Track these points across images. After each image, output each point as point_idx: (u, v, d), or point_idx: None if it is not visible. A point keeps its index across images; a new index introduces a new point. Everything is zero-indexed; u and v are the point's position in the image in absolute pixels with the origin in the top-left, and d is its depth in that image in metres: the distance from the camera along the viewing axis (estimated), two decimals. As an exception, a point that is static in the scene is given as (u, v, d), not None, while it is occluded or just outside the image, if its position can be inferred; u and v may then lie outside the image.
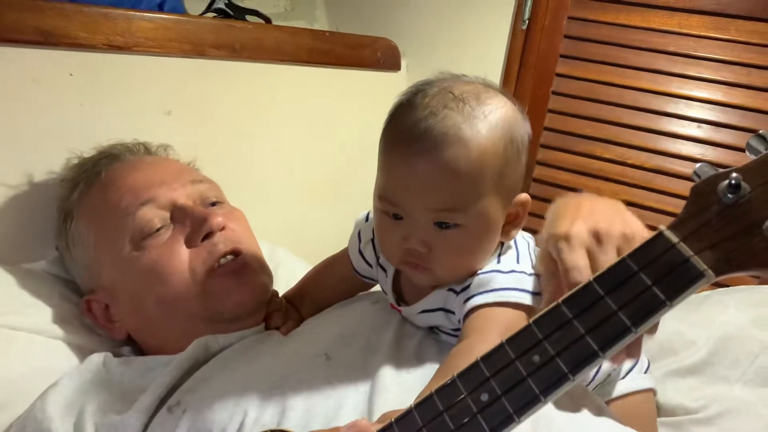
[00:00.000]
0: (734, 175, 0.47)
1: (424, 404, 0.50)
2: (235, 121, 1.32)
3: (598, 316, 0.47)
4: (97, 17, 1.02)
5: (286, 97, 1.41)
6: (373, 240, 0.85)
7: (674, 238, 0.47)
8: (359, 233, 0.88)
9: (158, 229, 0.85)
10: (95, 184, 0.91)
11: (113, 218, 0.86)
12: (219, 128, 1.29)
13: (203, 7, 1.41)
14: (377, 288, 0.93)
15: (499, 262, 0.74)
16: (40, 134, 0.99)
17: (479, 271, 0.73)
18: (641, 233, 0.66)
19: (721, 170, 0.49)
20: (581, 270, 0.63)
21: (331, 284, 0.94)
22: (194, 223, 0.86)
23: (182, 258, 0.84)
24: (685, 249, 0.46)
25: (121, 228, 0.85)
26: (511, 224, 0.74)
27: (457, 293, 0.74)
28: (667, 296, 0.45)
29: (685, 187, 1.54)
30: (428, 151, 0.65)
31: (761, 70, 1.47)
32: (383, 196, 0.70)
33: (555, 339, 0.47)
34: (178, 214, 0.88)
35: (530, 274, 0.72)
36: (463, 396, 0.48)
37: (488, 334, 0.65)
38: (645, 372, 0.92)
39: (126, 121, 1.11)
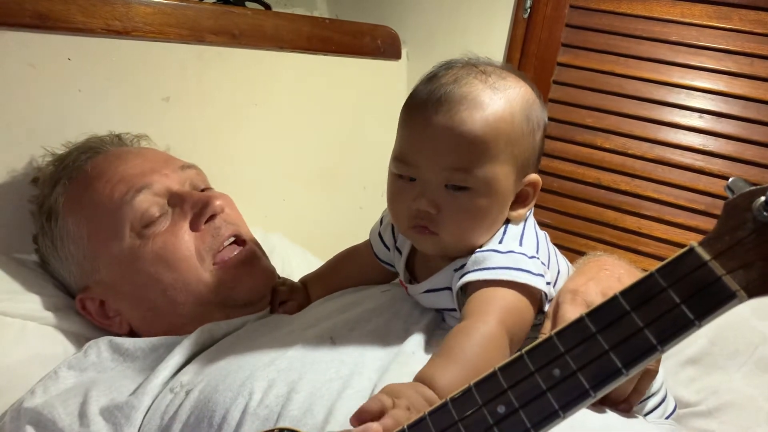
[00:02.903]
0: None
1: (437, 412, 0.49)
2: (234, 108, 1.31)
3: (623, 333, 0.45)
4: (95, 1, 1.01)
5: (285, 84, 1.41)
6: (393, 223, 0.86)
7: (706, 256, 0.45)
8: (382, 219, 0.90)
9: (158, 217, 0.85)
10: (79, 179, 0.89)
11: (108, 209, 0.85)
12: (217, 115, 1.28)
13: (202, -7, 1.40)
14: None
15: (501, 242, 0.73)
16: (38, 120, 0.99)
17: (478, 249, 0.73)
18: None
19: (756, 186, 0.47)
20: None
21: (348, 273, 0.94)
22: (196, 206, 0.87)
23: (188, 243, 0.85)
24: (717, 267, 0.44)
25: (118, 218, 0.85)
26: (521, 203, 0.76)
27: (455, 271, 0.74)
28: (696, 316, 0.44)
29: (685, 178, 1.55)
30: (446, 111, 0.69)
31: (764, 60, 1.46)
32: (398, 157, 0.72)
33: (577, 353, 0.45)
34: (175, 200, 0.88)
35: (531, 257, 0.72)
36: (478, 406, 0.47)
37: (486, 315, 0.66)
38: (668, 417, 0.84)
39: (124, 107, 1.10)
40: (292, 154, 1.47)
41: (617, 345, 0.45)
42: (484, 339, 0.64)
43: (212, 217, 0.87)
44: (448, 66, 0.74)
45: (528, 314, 0.70)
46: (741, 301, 0.43)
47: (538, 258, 0.73)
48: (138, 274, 0.84)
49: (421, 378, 0.60)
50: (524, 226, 0.77)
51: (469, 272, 0.71)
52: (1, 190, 0.95)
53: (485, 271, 0.70)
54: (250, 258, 0.90)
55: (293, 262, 1.19)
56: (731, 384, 0.96)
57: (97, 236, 0.86)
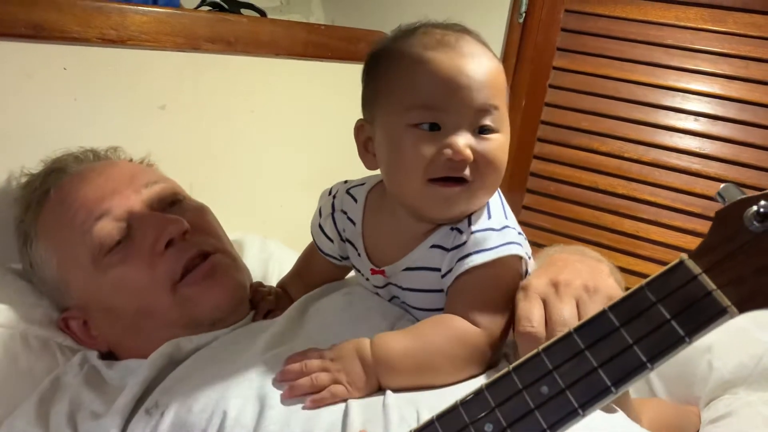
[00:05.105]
0: (763, 202, 0.43)
1: (423, 430, 0.48)
2: (230, 115, 1.31)
3: (612, 349, 0.44)
4: (90, 10, 1.01)
5: (281, 90, 1.40)
6: (332, 214, 0.84)
7: (697, 269, 0.44)
8: (320, 209, 0.87)
9: (118, 242, 0.82)
10: (46, 204, 0.87)
11: (70, 237, 0.83)
12: (213, 122, 1.28)
13: (198, 1, 1.40)
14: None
15: (489, 217, 0.72)
16: (33, 130, 0.98)
17: (474, 229, 0.71)
18: (607, 291, 0.68)
19: (748, 194, 0.45)
20: (532, 320, 0.66)
21: (319, 264, 0.92)
22: (154, 232, 0.82)
23: (147, 270, 0.81)
24: (708, 282, 0.43)
25: (80, 246, 0.82)
26: None
27: (447, 250, 0.73)
28: (686, 332, 0.43)
29: (682, 181, 1.55)
30: (473, 51, 0.69)
31: (759, 63, 1.47)
32: (422, 104, 0.68)
33: (565, 370, 0.45)
34: (136, 223, 0.84)
35: (520, 233, 0.73)
36: (465, 425, 0.46)
37: (474, 317, 0.69)
38: None
39: (120, 115, 1.10)
40: (289, 160, 1.47)
41: (606, 362, 0.44)
42: (455, 339, 0.67)
43: (171, 240, 0.83)
44: (418, 24, 0.74)
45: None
46: (732, 317, 0.42)
47: (522, 233, 0.74)
48: (105, 301, 0.83)
49: (375, 338, 0.68)
50: (499, 192, 0.76)
51: (471, 254, 0.70)
52: (-3, 200, 0.95)
53: (489, 252, 0.69)
54: (212, 273, 0.84)
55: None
56: (736, 395, 0.96)
57: (64, 264, 0.85)
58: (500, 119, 0.69)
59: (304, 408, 0.64)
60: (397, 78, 0.70)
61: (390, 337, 0.69)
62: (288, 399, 0.65)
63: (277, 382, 0.67)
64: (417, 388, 0.67)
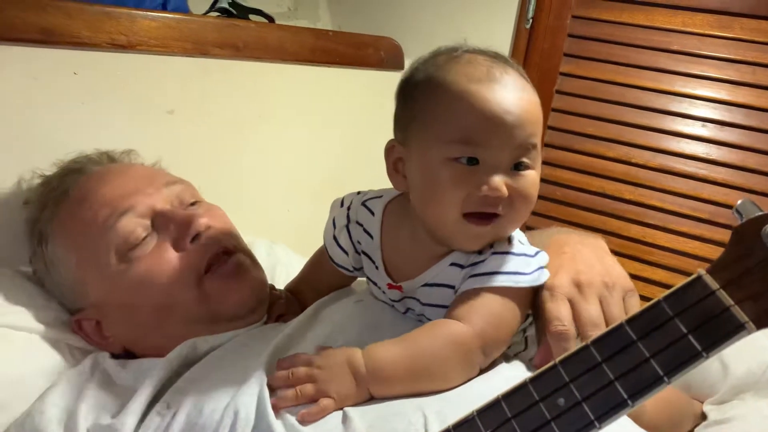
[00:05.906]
0: None
1: None
2: (238, 121, 1.32)
3: (628, 362, 0.44)
4: (100, 16, 1.01)
5: (288, 96, 1.41)
6: (347, 226, 0.85)
7: (714, 285, 0.44)
8: (334, 220, 0.87)
9: (143, 238, 0.84)
10: (64, 203, 0.88)
11: (92, 235, 0.84)
12: (221, 127, 1.28)
13: (207, 7, 1.41)
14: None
15: (510, 242, 0.74)
16: (42, 134, 0.99)
17: (494, 250, 0.72)
18: (621, 282, 0.73)
19: (765, 211, 0.46)
20: (562, 320, 0.68)
21: (328, 270, 0.92)
22: (179, 227, 0.84)
23: (173, 264, 0.83)
24: (726, 297, 0.43)
25: (103, 243, 0.83)
26: None
27: (462, 267, 0.74)
28: (703, 347, 0.43)
29: (689, 186, 1.55)
30: (517, 88, 0.69)
31: (766, 69, 1.47)
32: (463, 138, 0.68)
33: (582, 383, 0.45)
34: (159, 220, 0.86)
35: (535, 254, 0.74)
36: None
37: (470, 322, 0.69)
38: None
39: (128, 120, 1.10)
40: (296, 165, 1.48)
41: (623, 375, 0.44)
42: (448, 341, 0.68)
43: (197, 236, 0.85)
44: (460, 50, 0.72)
45: (519, 316, 0.73)
46: (749, 333, 0.42)
47: (539, 251, 0.75)
48: (125, 297, 0.83)
49: (367, 348, 0.68)
50: None
51: (486, 274, 0.71)
52: (6, 202, 0.95)
53: (505, 276, 0.71)
54: (237, 271, 0.87)
55: (298, 274, 1.18)
56: (743, 402, 0.97)
57: (84, 262, 0.85)
58: (536, 157, 0.70)
59: (297, 421, 0.64)
60: (439, 108, 0.70)
61: (381, 346, 0.69)
62: (277, 410, 0.65)
63: (270, 390, 0.67)
64: (414, 395, 0.67)
